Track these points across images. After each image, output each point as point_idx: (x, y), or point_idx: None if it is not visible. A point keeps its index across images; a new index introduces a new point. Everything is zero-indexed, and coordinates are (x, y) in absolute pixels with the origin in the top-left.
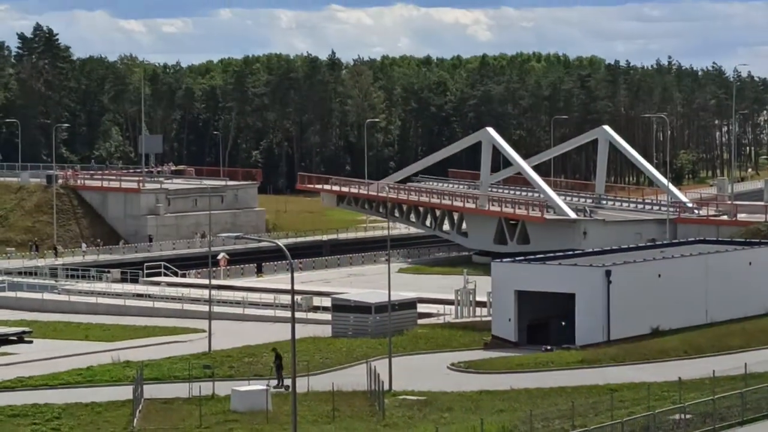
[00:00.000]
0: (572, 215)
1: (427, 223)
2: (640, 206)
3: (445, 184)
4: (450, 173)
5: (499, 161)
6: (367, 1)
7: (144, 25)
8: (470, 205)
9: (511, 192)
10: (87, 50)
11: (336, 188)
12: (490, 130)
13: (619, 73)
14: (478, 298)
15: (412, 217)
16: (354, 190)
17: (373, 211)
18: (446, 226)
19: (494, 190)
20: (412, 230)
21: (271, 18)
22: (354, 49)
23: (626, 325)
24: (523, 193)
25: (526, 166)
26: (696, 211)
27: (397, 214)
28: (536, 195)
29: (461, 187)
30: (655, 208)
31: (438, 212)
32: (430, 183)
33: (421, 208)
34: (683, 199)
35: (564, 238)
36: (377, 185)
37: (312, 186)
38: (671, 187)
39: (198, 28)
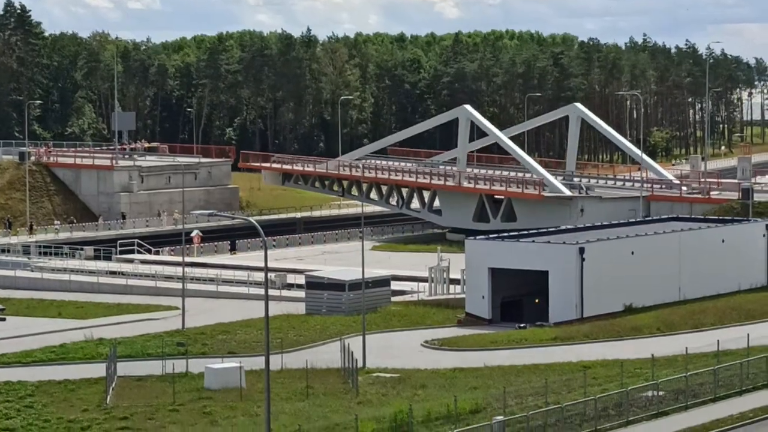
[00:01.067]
0: (567, 192)
1: (393, 201)
2: (611, 183)
3: (387, 162)
4: (390, 151)
5: (473, 139)
6: None
7: (110, 1)
8: (450, 182)
9: (491, 170)
10: (54, 26)
11: (277, 166)
12: (468, 107)
13: (592, 51)
14: (452, 276)
15: (374, 195)
16: (300, 168)
17: (327, 189)
18: (415, 204)
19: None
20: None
21: None
22: (324, 26)
23: (599, 302)
24: (503, 172)
25: (512, 144)
26: (684, 188)
27: (355, 192)
28: (515, 174)
29: (407, 165)
30: (630, 185)
31: (405, 190)
32: (373, 161)
33: (384, 186)
34: (667, 175)
35: (559, 216)
36: (336, 162)
37: (251, 164)
38: (653, 163)
39: (165, 5)
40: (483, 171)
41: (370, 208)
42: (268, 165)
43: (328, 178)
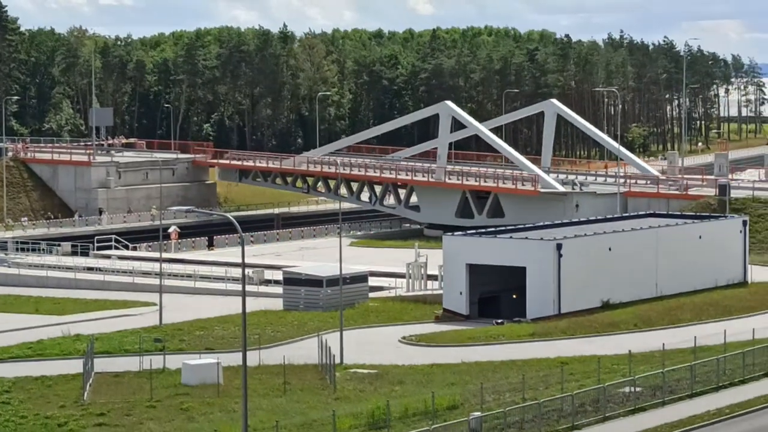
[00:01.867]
0: (560, 188)
1: (364, 197)
2: (590, 179)
3: (353, 159)
4: (353, 148)
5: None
6: None
7: None
8: (425, 178)
9: (473, 167)
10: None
11: (235, 162)
12: (450, 103)
13: (568, 47)
14: (429, 272)
15: (343, 192)
16: (254, 164)
17: (289, 186)
18: (388, 201)
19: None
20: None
21: None
22: (298, 22)
23: (577, 298)
24: (488, 169)
25: (498, 140)
26: (672, 183)
27: (322, 189)
28: (501, 170)
29: (378, 161)
30: (612, 180)
31: (379, 187)
32: (337, 158)
33: (354, 183)
34: (651, 170)
35: (553, 212)
36: (299, 159)
37: (208, 161)
38: (636, 158)
39: (138, 1)
40: (466, 168)
41: (348, 205)
42: (224, 161)
43: (290, 174)
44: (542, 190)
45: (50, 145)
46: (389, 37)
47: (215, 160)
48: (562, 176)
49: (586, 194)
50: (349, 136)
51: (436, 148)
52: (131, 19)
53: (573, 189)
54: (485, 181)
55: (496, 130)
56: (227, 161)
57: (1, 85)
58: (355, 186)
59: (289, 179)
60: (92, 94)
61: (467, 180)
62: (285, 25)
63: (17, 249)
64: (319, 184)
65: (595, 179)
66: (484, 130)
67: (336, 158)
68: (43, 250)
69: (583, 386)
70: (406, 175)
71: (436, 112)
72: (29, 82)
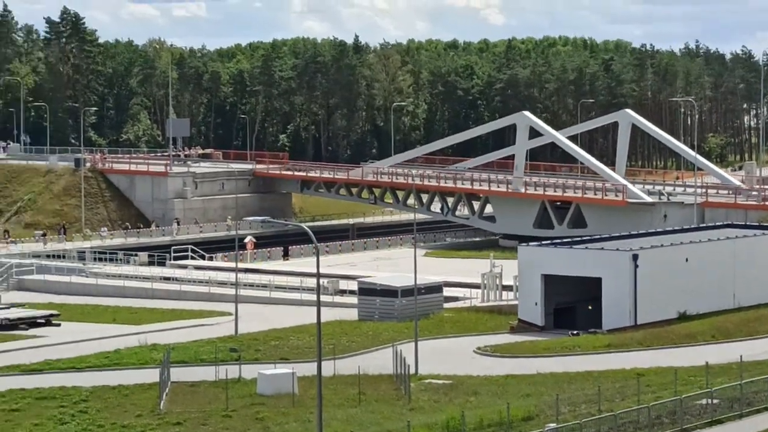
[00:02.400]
0: (648, 198)
1: (435, 208)
2: (669, 188)
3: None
4: (420, 159)
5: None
6: None
7: (157, 9)
8: (501, 188)
9: (551, 178)
10: (103, 34)
11: (299, 173)
12: (527, 113)
13: (645, 57)
14: (504, 282)
15: (412, 202)
16: (322, 175)
17: (354, 197)
18: (460, 211)
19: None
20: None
21: (283, 2)
22: (370, 33)
23: (653, 309)
24: (568, 180)
25: (580, 151)
26: (754, 192)
27: (389, 200)
28: (581, 181)
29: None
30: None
31: (452, 197)
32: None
33: (424, 194)
34: (733, 180)
35: (640, 222)
36: (363, 170)
37: (267, 172)
38: (717, 169)
39: (212, 13)
40: (545, 178)
41: (421, 215)
42: (287, 172)
43: (355, 185)
44: (631, 201)
45: (128, 155)
46: (464, 48)
47: (277, 171)
48: (638, 186)
49: (673, 204)
50: (422, 146)
51: (507, 157)
52: (204, 30)
53: (660, 199)
54: (566, 191)
55: (571, 141)
56: (290, 172)
57: (79, 97)
58: (425, 197)
59: (354, 190)
60: (169, 105)
61: (546, 190)
62: (357, 36)
63: (95, 259)
64: (387, 194)
65: (673, 189)
66: (564, 140)
67: (402, 169)
68: (121, 260)
69: (659, 398)
70: (480, 185)
71: (512, 122)
72: (107, 94)
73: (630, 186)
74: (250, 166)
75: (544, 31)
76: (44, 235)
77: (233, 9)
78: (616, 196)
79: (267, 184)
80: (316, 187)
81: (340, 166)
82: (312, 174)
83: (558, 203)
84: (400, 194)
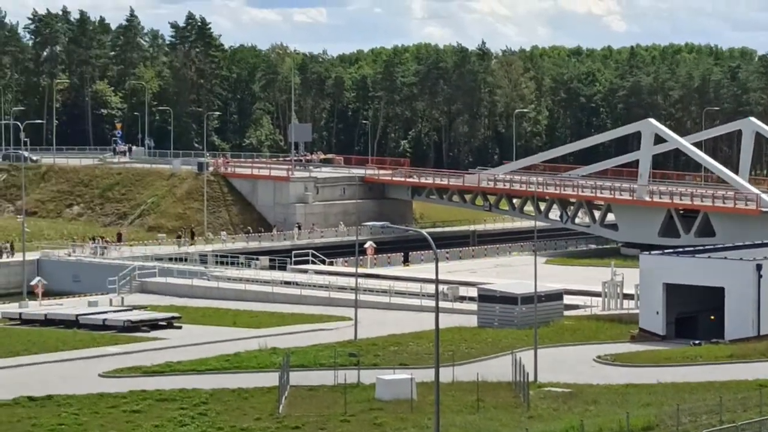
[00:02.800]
0: None
1: (553, 215)
2: None
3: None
4: (534, 167)
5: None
6: None
7: (278, 14)
8: (626, 196)
9: (675, 186)
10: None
11: (411, 179)
12: (653, 120)
13: None
14: (625, 291)
15: (529, 210)
16: (440, 181)
17: (468, 204)
18: (579, 219)
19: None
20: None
21: (404, 7)
22: (492, 39)
23: None
24: (696, 189)
25: (710, 160)
26: None
27: (505, 207)
28: (704, 190)
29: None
30: None
31: (572, 205)
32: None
33: (542, 201)
34: None
35: None
36: (477, 177)
37: (377, 178)
38: None
39: (332, 18)
40: (672, 186)
41: (541, 223)
42: (398, 179)
43: (468, 191)
44: (763, 210)
45: (250, 160)
46: (588, 54)
47: (388, 177)
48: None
49: None
50: (540, 153)
51: (623, 165)
52: (325, 36)
53: None
54: (693, 200)
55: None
56: (402, 178)
57: (203, 101)
58: (542, 204)
59: (468, 197)
60: (291, 110)
61: (673, 198)
62: (483, 42)
63: (216, 262)
64: (503, 201)
65: None
66: (692, 148)
67: (518, 176)
68: (242, 263)
69: None
70: (601, 193)
71: (637, 130)
72: (230, 98)
73: (763, 195)
74: (362, 172)
75: (666, 37)
76: (179, 237)
77: (354, 14)
78: (747, 204)
79: (379, 190)
80: (428, 193)
81: (453, 173)
82: (424, 180)
83: (685, 212)
84: (516, 201)
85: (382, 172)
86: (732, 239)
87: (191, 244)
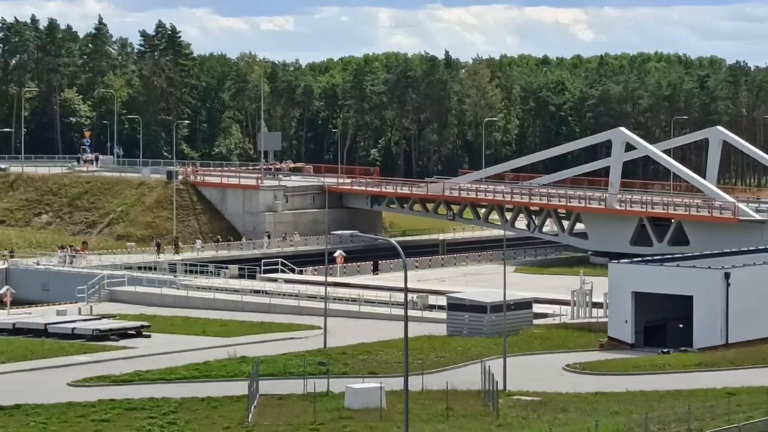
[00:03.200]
0: (757, 216)
1: (520, 225)
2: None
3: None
4: (494, 176)
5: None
6: (464, 1)
7: (245, 22)
8: (598, 204)
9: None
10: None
11: (373, 188)
12: (624, 129)
13: (740, 74)
14: (594, 299)
15: (494, 219)
16: (400, 190)
17: (431, 213)
18: (547, 227)
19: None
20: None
21: (371, 16)
22: (459, 48)
23: (745, 328)
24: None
25: (684, 168)
26: None
27: (469, 216)
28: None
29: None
30: None
31: (537, 214)
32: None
33: (508, 210)
34: None
35: (747, 240)
36: (439, 186)
37: (337, 187)
38: None
39: (299, 26)
40: (646, 196)
41: (512, 231)
42: (358, 188)
43: (431, 200)
44: (743, 218)
45: (219, 168)
46: (556, 64)
47: (348, 186)
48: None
49: None
50: (507, 162)
51: (587, 174)
52: (292, 44)
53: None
54: (667, 208)
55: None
56: (362, 187)
57: (172, 110)
58: (508, 213)
59: (430, 206)
60: (261, 119)
61: (645, 206)
62: (447, 52)
63: (186, 271)
64: (467, 210)
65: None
66: (665, 157)
67: (483, 185)
68: (211, 272)
69: (750, 418)
70: (570, 201)
71: (608, 138)
72: (200, 107)
73: (739, 203)
74: (333, 181)
75: (634, 47)
76: (159, 245)
77: (321, 23)
78: (721, 213)
79: (338, 199)
80: (388, 202)
81: (415, 182)
82: (385, 189)
83: (657, 220)
84: (481, 211)
85: (340, 180)
86: (707, 248)
87: (176, 253)
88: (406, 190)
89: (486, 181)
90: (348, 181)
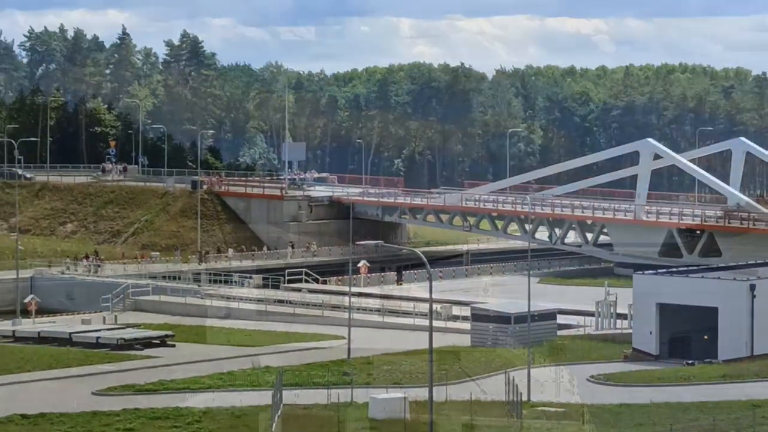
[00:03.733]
0: None
1: (541, 236)
2: None
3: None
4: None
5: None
6: (484, 11)
7: (267, 32)
8: (625, 216)
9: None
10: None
11: (384, 200)
12: (651, 140)
13: (766, 86)
14: (619, 311)
15: (514, 230)
16: (410, 201)
17: (445, 224)
18: (570, 238)
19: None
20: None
21: (392, 26)
22: (481, 59)
23: None
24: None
25: (716, 180)
26: None
27: (487, 227)
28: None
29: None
30: None
31: (561, 225)
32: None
33: (528, 221)
34: None
35: None
36: (456, 197)
37: (347, 198)
38: None
39: (320, 36)
40: (675, 207)
41: (537, 242)
42: (370, 199)
43: (447, 212)
44: None
45: (244, 178)
46: (581, 74)
47: (359, 198)
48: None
49: None
50: (530, 173)
51: (606, 184)
52: (313, 54)
53: None
54: (696, 219)
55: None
56: (374, 198)
57: (197, 120)
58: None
59: (444, 217)
60: (285, 129)
61: (672, 217)
62: (462, 63)
63: (210, 281)
64: (483, 221)
65: None
66: (695, 168)
67: (502, 196)
68: (235, 282)
69: None
70: (594, 213)
71: (635, 149)
72: (224, 117)
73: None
74: (358, 191)
75: (657, 58)
76: (206, 253)
77: (342, 33)
78: (754, 224)
79: (384, 209)
80: (400, 213)
81: (428, 192)
82: (398, 200)
83: (687, 231)
84: (499, 223)
85: (350, 191)
86: (740, 259)
87: (183, 261)
88: (418, 201)
89: (505, 192)
90: (358, 191)
